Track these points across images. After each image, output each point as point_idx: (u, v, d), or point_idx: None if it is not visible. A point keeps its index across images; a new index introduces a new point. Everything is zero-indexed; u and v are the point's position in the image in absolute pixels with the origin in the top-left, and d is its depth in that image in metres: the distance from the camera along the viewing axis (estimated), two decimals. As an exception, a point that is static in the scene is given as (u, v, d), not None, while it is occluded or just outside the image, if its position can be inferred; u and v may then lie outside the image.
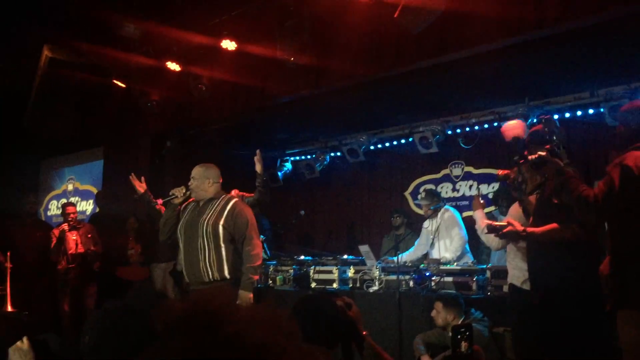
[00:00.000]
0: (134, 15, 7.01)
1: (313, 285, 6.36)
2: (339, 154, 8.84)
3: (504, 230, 3.94)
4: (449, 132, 7.72)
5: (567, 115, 6.70)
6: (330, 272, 6.31)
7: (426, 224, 6.55)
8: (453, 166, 8.00)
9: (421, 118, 7.76)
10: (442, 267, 5.67)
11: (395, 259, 6.02)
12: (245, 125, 8.06)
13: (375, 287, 5.90)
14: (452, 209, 6.50)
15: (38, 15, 7.28)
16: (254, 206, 5.01)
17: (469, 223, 6.11)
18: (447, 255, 6.08)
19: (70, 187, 10.64)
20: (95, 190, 9.62)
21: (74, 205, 7.99)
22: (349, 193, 9.04)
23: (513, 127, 4.08)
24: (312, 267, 6.46)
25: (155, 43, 7.46)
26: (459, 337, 2.42)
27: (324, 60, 6.24)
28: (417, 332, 5.09)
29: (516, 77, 6.20)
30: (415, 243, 6.62)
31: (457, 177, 7.98)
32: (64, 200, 9.73)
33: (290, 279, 6.62)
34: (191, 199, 4.57)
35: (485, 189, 7.54)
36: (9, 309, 6.23)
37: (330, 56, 6.20)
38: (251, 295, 4.28)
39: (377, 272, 5.95)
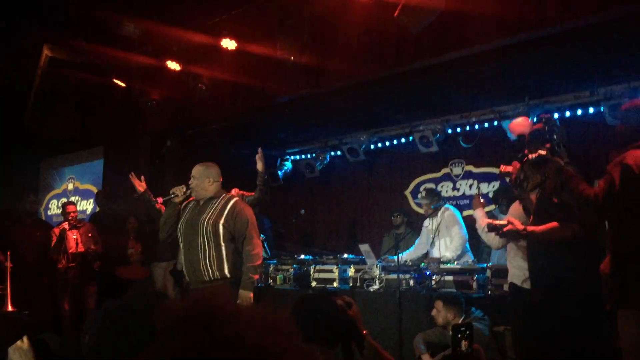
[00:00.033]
0: (133, 14, 7.01)
1: (313, 284, 6.36)
2: (339, 153, 8.84)
3: (505, 229, 3.93)
4: (449, 131, 7.72)
5: (567, 114, 6.70)
6: (331, 271, 6.31)
7: (426, 223, 6.55)
8: (453, 165, 8.00)
9: (421, 117, 7.76)
10: (442, 266, 5.67)
11: (395, 258, 6.02)
12: (246, 124, 8.07)
13: (376, 286, 5.89)
14: (452, 208, 6.50)
15: (38, 14, 7.28)
16: (254, 205, 5.01)
17: (469, 222, 6.11)
18: (448, 254, 6.07)
19: (70, 186, 10.64)
20: (95, 190, 9.62)
21: (74, 204, 7.99)
22: (349, 192, 9.04)
23: (519, 124, 4.07)
24: (313, 266, 6.46)
25: (155, 42, 7.46)
26: (459, 336, 2.42)
27: (324, 60, 6.24)
28: (418, 331, 5.09)
29: (516, 76, 6.20)
30: (416, 242, 6.62)
31: (457, 176, 7.98)
32: (64, 200, 9.73)
33: (291, 278, 6.62)
34: (191, 198, 4.57)
35: (486, 187, 7.54)
36: (9, 308, 6.23)
37: (330, 56, 6.20)
38: (251, 294, 4.28)
39: (378, 271, 5.94)
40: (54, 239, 7.37)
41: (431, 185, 8.01)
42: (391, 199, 8.41)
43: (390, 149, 8.48)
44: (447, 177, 8.08)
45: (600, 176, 3.27)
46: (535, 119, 6.39)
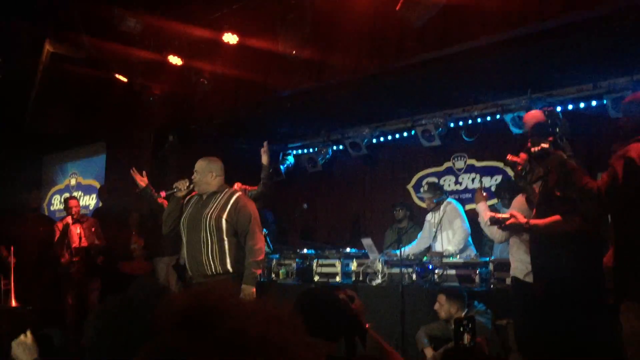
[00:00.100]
0: (135, 9, 7.00)
1: (316, 278, 6.37)
2: (341, 147, 8.83)
3: (507, 223, 3.93)
4: (452, 125, 7.70)
5: (570, 107, 6.68)
6: (333, 265, 6.31)
7: (429, 216, 6.55)
8: (456, 159, 7.99)
9: (423, 111, 7.75)
10: (445, 260, 5.67)
11: (398, 252, 6.02)
12: (247, 119, 8.06)
13: (378, 280, 5.90)
14: (454, 202, 6.49)
15: (40, 10, 7.28)
16: (257, 199, 5.01)
17: (472, 216, 6.10)
18: (450, 248, 6.07)
19: (73, 181, 10.66)
20: (98, 185, 9.64)
21: (76, 199, 8.01)
22: (352, 186, 9.04)
23: (534, 116, 4.06)
24: (315, 261, 6.46)
25: (157, 37, 7.46)
26: (461, 329, 2.42)
27: (325, 54, 6.22)
28: (420, 325, 5.09)
29: (519, 70, 6.18)
30: (418, 236, 6.62)
31: (459, 169, 7.97)
32: (67, 195, 9.76)
33: (293, 272, 6.63)
34: (194, 193, 4.57)
35: (488, 181, 7.53)
36: (13, 303, 6.25)
37: (332, 49, 6.19)
38: (254, 289, 4.28)
39: (380, 265, 5.95)
40: (57, 234, 7.39)
41: (433, 179, 8.00)
42: (393, 193, 8.40)
43: (393, 143, 8.46)
44: (450, 171, 8.07)
45: (603, 169, 3.27)
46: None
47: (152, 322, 0.95)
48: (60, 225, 7.43)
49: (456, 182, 7.98)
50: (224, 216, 4.32)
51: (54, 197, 10.88)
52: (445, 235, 6.25)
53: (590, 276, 3.54)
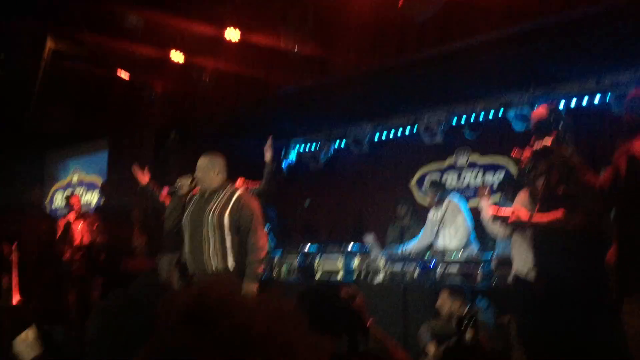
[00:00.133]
0: (136, 6, 7.00)
1: (318, 275, 6.37)
2: (343, 144, 8.82)
3: (510, 219, 3.92)
4: (454, 121, 7.69)
5: (573, 103, 6.66)
6: (335, 262, 6.31)
7: (431, 213, 6.54)
8: (458, 155, 7.97)
9: (426, 107, 7.73)
10: (447, 257, 5.66)
11: (400, 249, 6.02)
12: (249, 115, 8.05)
13: (380, 278, 5.89)
14: (457, 199, 6.49)
15: (41, 7, 7.28)
16: (259, 196, 4.99)
17: (474, 212, 6.10)
18: (452, 245, 6.07)
19: (75, 178, 10.67)
20: (100, 182, 9.64)
21: (77, 196, 8.01)
22: (354, 183, 9.03)
23: (538, 113, 4.05)
24: (317, 258, 6.46)
25: (159, 34, 7.45)
26: (463, 326, 2.42)
27: (328, 50, 6.21)
28: (422, 322, 5.09)
29: (521, 65, 6.17)
30: (420, 233, 6.61)
31: (462, 166, 7.95)
32: (69, 192, 9.76)
33: (295, 269, 6.63)
34: (197, 190, 4.56)
35: (491, 178, 7.52)
36: (16, 300, 6.26)
37: (335, 46, 6.18)
38: (256, 286, 4.27)
39: (382, 262, 5.94)
40: (60, 232, 7.39)
41: (436, 176, 7.99)
42: (395, 189, 8.39)
43: (395, 140, 8.45)
44: (452, 168, 8.05)
45: (606, 165, 3.25)
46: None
47: (154, 319, 0.95)
48: (62, 223, 7.43)
49: (459, 179, 7.96)
50: (227, 213, 4.31)
51: (56, 194, 10.89)
52: (448, 232, 6.25)
53: (593, 273, 3.53)
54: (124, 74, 8.20)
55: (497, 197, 6.59)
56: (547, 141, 3.53)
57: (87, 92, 9.02)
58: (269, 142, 5.08)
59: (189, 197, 4.58)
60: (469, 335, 2.46)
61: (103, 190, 8.81)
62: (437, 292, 4.96)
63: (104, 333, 1.83)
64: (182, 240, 4.75)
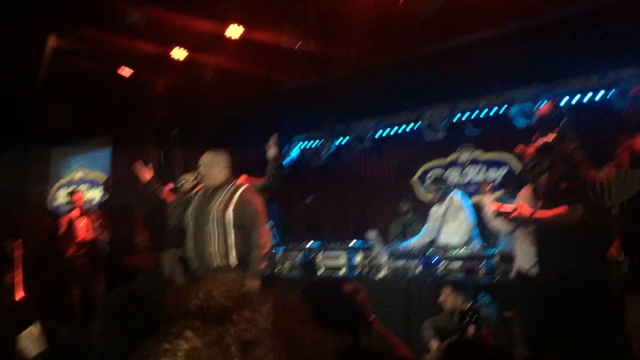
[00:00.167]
0: (139, 3, 7.00)
1: (321, 271, 6.38)
2: (345, 140, 8.82)
3: (513, 215, 3.92)
4: (457, 117, 7.68)
5: (576, 99, 6.65)
6: (338, 258, 6.32)
7: (433, 209, 6.53)
8: (461, 151, 7.97)
9: (428, 103, 7.73)
10: (449, 252, 5.67)
11: (402, 244, 6.03)
12: (251, 112, 8.06)
13: (383, 273, 5.90)
14: (459, 194, 6.48)
15: (43, 4, 7.28)
16: (263, 192, 4.99)
17: (477, 208, 6.10)
18: (455, 240, 6.07)
19: (78, 175, 10.68)
20: (103, 178, 9.66)
21: (80, 192, 8.03)
22: (356, 179, 9.03)
23: (541, 109, 4.06)
24: (320, 254, 6.47)
25: (161, 31, 7.45)
26: (466, 321, 2.42)
27: (330, 47, 6.21)
28: (425, 318, 5.09)
29: (524, 61, 6.16)
30: (423, 229, 6.61)
31: (464, 162, 7.95)
32: (72, 189, 9.78)
33: (298, 265, 6.64)
34: (201, 186, 4.57)
35: (494, 173, 7.51)
36: (20, 296, 6.29)
37: (336, 43, 6.18)
38: (258, 282, 4.29)
39: (385, 258, 5.95)
40: (63, 228, 7.42)
41: (438, 172, 7.99)
42: (398, 185, 8.39)
43: (397, 136, 8.45)
44: (455, 164, 8.05)
45: (609, 161, 3.25)
46: (543, 104, 6.36)
47: (158, 314, 0.95)
48: (65, 219, 7.46)
49: (461, 175, 7.96)
50: (230, 209, 4.32)
51: (59, 191, 10.91)
52: (450, 227, 6.24)
53: (595, 269, 3.54)
54: (126, 71, 8.21)
55: (499, 193, 6.59)
56: (550, 137, 3.52)
57: (90, 89, 9.04)
58: (273, 139, 5.07)
59: (193, 192, 4.58)
60: (471, 331, 2.46)
61: (106, 187, 8.83)
62: (440, 288, 4.96)
63: (108, 328, 1.84)
64: (184, 236, 4.76)
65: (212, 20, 6.92)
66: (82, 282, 7.43)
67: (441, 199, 6.40)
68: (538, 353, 3.97)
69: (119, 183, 8.48)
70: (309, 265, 6.53)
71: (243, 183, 4.65)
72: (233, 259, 4.32)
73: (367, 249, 6.30)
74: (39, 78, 8.78)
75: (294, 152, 9.43)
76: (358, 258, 6.22)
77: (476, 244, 6.12)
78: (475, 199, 6.88)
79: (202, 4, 6.91)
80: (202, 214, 4.38)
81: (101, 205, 8.72)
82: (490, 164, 7.65)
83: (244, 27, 6.72)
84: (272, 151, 5.06)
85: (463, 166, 7.96)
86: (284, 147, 9.36)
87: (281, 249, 6.97)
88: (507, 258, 5.07)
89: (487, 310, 4.64)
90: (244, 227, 4.35)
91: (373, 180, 8.86)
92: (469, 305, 4.72)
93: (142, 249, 7.74)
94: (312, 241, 7.01)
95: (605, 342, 3.56)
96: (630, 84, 5.92)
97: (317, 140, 9.16)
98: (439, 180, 6.61)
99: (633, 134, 3.18)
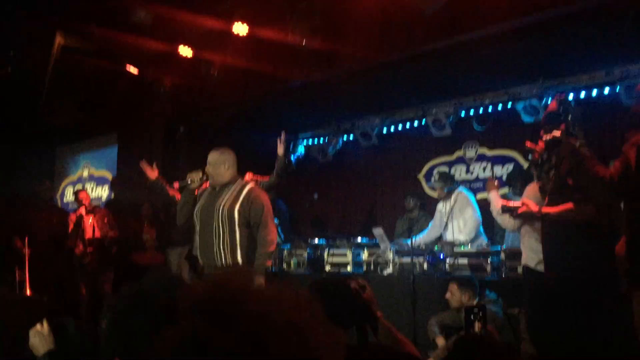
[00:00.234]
0: (145, 0, 7.01)
1: (327, 268, 6.39)
2: (351, 137, 8.83)
3: (519, 211, 3.92)
4: (463, 114, 7.67)
5: (582, 94, 6.62)
6: (344, 255, 6.33)
7: (440, 206, 6.53)
8: (467, 148, 7.96)
9: (434, 100, 7.72)
10: (456, 249, 5.67)
11: (409, 241, 6.03)
12: (258, 109, 8.06)
13: (389, 270, 5.91)
14: (465, 191, 6.48)
15: (50, 2, 7.30)
16: (269, 190, 5.01)
17: (483, 205, 6.09)
18: (461, 237, 6.07)
19: (85, 173, 10.73)
20: (110, 176, 9.70)
21: (86, 191, 8.07)
22: (362, 176, 9.03)
23: (549, 105, 4.05)
24: (326, 251, 6.48)
25: (167, 29, 7.46)
26: (472, 317, 2.42)
27: (336, 44, 6.20)
28: (432, 314, 5.10)
29: (530, 57, 6.13)
30: (429, 225, 6.61)
31: (470, 158, 7.94)
32: (79, 186, 9.82)
33: (305, 262, 6.65)
34: (207, 184, 4.59)
35: (499, 170, 7.50)
36: (28, 293, 6.32)
37: (342, 39, 6.17)
38: (263, 279, 4.30)
39: (391, 254, 5.95)
40: (71, 226, 7.46)
41: (444, 169, 7.98)
42: (404, 182, 8.39)
43: (403, 133, 8.44)
44: (461, 160, 8.04)
45: (615, 157, 3.24)
46: (549, 100, 6.34)
47: (168, 311, 0.96)
48: (73, 217, 7.50)
49: (467, 171, 7.95)
50: (237, 207, 4.33)
51: (67, 189, 10.97)
52: (457, 224, 6.24)
53: (602, 264, 3.53)
54: (132, 69, 8.23)
55: (505, 189, 6.58)
56: (557, 133, 3.52)
57: (97, 87, 9.06)
58: (282, 137, 5.08)
59: (200, 191, 4.61)
60: (477, 327, 2.46)
61: (113, 185, 8.86)
62: (446, 285, 4.96)
63: (118, 325, 1.85)
64: (191, 234, 4.78)
65: (218, 17, 6.92)
66: (90, 280, 7.47)
67: (447, 195, 6.40)
68: (544, 350, 3.97)
69: (125, 181, 8.51)
70: (315, 262, 6.55)
71: (249, 181, 4.67)
72: (240, 256, 4.34)
73: (373, 246, 6.31)
74: (45, 76, 8.81)
75: (300, 149, 9.44)
76: (364, 255, 6.23)
77: (482, 241, 6.12)
78: (481, 195, 6.87)
79: (209, 1, 6.92)
80: (209, 212, 4.40)
81: (108, 203, 8.76)
82: (496, 161, 7.64)
83: (249, 24, 6.72)
84: (280, 149, 5.07)
85: (469, 162, 7.95)
86: (290, 144, 9.37)
87: (287, 246, 6.99)
88: (514, 255, 5.07)
89: (493, 307, 4.64)
90: (250, 225, 4.37)
91: (379, 177, 8.86)
92: (475, 301, 4.73)
93: (149, 246, 7.77)
94: (318, 238, 7.02)
95: (611, 339, 3.55)
96: (636, 80, 5.90)
97: (323, 137, 9.16)
98: (445, 177, 6.60)
99: (639, 130, 3.18)
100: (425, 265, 5.66)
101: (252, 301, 0.88)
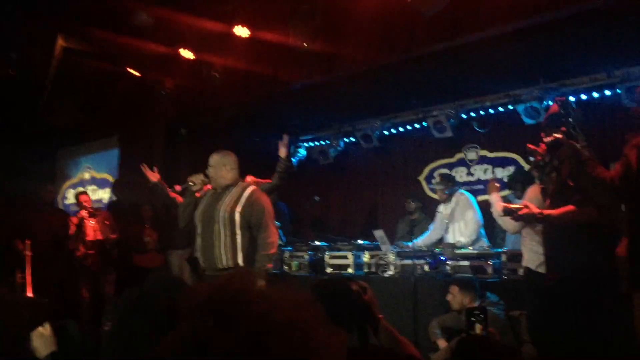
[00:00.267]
0: (146, 3, 7.02)
1: (328, 270, 6.39)
2: (352, 139, 8.83)
3: (520, 213, 3.92)
4: (463, 116, 7.67)
5: (583, 96, 6.62)
6: (345, 257, 6.33)
7: (441, 208, 6.54)
8: (467, 150, 7.96)
9: (435, 102, 7.72)
10: (457, 251, 5.66)
11: (410, 243, 6.03)
12: (259, 111, 8.07)
13: (391, 272, 5.91)
14: (466, 193, 6.48)
15: (52, 4, 7.32)
16: (270, 192, 5.01)
17: (484, 207, 6.09)
18: (462, 239, 6.07)
19: (86, 175, 10.74)
20: (111, 179, 9.71)
21: (87, 193, 8.08)
22: (363, 178, 9.04)
23: (550, 107, 4.06)
24: (327, 253, 6.48)
25: (168, 31, 7.47)
26: (473, 319, 2.42)
27: (337, 46, 6.21)
28: (433, 317, 5.10)
29: (531, 59, 6.14)
30: (430, 227, 6.61)
31: (471, 161, 7.94)
32: (80, 189, 9.82)
33: (306, 264, 6.65)
34: (209, 186, 4.60)
35: (500, 172, 7.50)
36: (30, 295, 6.33)
37: (343, 41, 6.18)
38: (264, 282, 4.30)
39: (392, 257, 5.95)
40: (73, 228, 7.46)
41: (445, 171, 7.98)
42: (405, 184, 8.39)
43: (404, 135, 8.45)
44: (462, 162, 8.04)
45: (616, 159, 3.24)
46: (550, 102, 6.34)
47: (168, 314, 0.96)
48: (75, 219, 7.50)
49: (468, 173, 7.96)
50: (238, 210, 4.34)
51: (68, 191, 10.97)
52: (457, 226, 6.25)
53: (604, 266, 3.53)
54: (134, 71, 8.24)
55: (506, 191, 6.58)
56: (558, 135, 3.52)
57: (98, 88, 9.08)
58: (285, 139, 5.09)
59: (201, 193, 4.61)
60: (478, 329, 2.46)
61: (114, 188, 8.87)
62: (447, 287, 4.96)
63: (120, 328, 1.85)
64: (192, 236, 4.79)
65: (220, 19, 6.94)
66: (92, 282, 7.48)
67: (448, 197, 6.40)
68: (545, 351, 3.96)
69: (127, 183, 8.52)
70: (316, 264, 6.55)
71: (250, 183, 4.68)
72: (241, 258, 4.34)
73: (374, 248, 6.31)
74: (47, 78, 8.83)
75: (302, 151, 9.45)
76: (365, 257, 6.23)
77: (483, 243, 6.12)
78: (482, 197, 6.87)
79: (210, 3, 6.93)
80: (210, 214, 4.40)
81: (110, 205, 8.76)
82: (497, 163, 7.64)
83: (251, 26, 6.73)
84: (282, 152, 5.08)
85: (470, 165, 7.95)
86: (291, 146, 9.36)
87: (289, 248, 6.99)
88: (515, 256, 5.07)
89: (495, 309, 4.64)
90: (252, 227, 4.38)
91: (380, 179, 8.86)
92: (476, 303, 4.73)
93: (150, 248, 7.78)
94: (319, 240, 7.02)
95: (613, 340, 3.55)
96: (637, 82, 5.90)
97: (324, 140, 9.17)
98: (446, 179, 6.60)
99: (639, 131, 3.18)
100: (426, 267, 5.65)
101: (254, 302, 0.88)
